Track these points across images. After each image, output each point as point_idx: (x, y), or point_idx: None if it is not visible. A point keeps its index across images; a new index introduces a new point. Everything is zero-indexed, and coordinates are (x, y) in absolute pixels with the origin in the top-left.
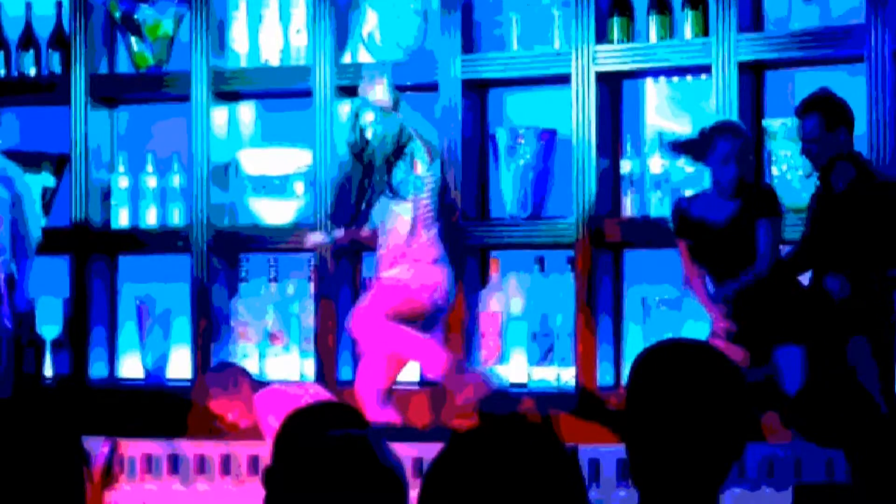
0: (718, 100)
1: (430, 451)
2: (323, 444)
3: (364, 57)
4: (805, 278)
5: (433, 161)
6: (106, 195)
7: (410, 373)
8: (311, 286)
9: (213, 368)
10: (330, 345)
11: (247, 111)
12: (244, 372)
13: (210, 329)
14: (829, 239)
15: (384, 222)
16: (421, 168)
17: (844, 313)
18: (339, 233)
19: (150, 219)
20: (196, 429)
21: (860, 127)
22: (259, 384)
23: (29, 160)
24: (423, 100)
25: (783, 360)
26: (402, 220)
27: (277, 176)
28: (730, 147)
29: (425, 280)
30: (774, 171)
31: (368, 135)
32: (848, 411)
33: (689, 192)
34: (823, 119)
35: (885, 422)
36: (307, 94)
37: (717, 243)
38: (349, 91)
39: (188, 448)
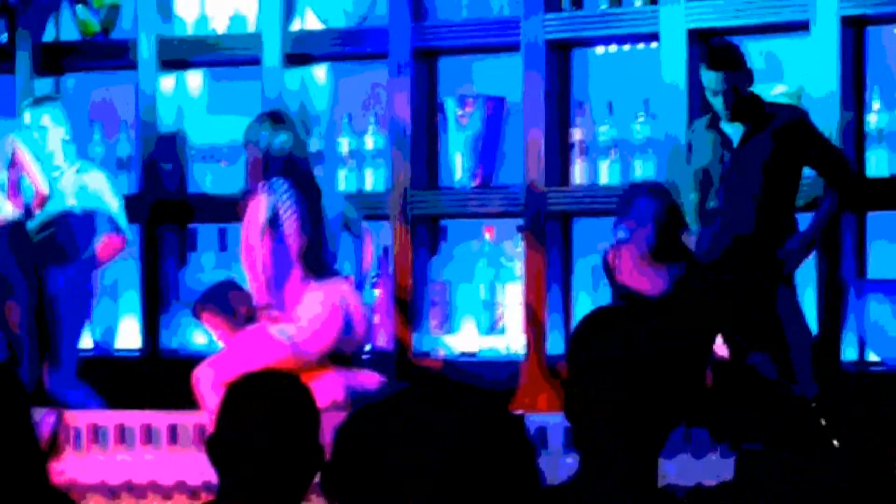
0: (667, 68)
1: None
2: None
3: (313, 24)
4: None
5: None
6: None
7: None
8: None
9: (218, 284)
10: None
11: (195, 79)
12: (244, 296)
13: (159, 299)
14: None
15: None
16: None
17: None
18: None
19: None
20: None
21: (812, 93)
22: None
23: None
24: (373, 67)
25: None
26: None
27: (226, 145)
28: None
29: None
30: None
31: None
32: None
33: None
34: (730, 68)
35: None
36: (256, 62)
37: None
38: (298, 59)
39: (135, 418)
